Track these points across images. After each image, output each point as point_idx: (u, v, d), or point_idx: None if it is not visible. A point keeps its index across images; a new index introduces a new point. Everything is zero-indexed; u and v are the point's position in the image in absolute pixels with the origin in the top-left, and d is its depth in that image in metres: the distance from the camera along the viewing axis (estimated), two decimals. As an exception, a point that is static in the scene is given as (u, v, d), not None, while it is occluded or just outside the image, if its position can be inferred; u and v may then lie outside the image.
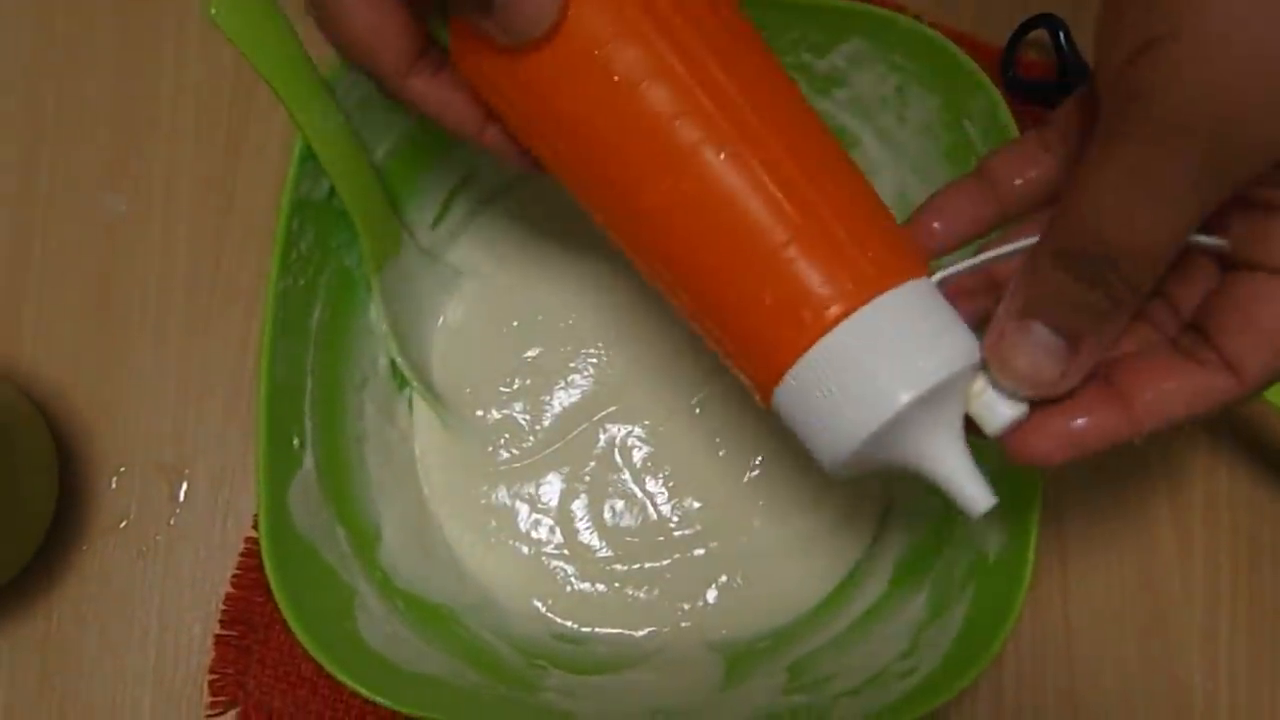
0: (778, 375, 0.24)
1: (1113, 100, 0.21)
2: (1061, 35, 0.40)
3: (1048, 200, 0.27)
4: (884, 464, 0.25)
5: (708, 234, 0.24)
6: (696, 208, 0.24)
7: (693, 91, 0.24)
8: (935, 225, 0.27)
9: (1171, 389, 0.24)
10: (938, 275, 0.25)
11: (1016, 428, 0.24)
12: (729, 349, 0.26)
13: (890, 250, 0.24)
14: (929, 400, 0.23)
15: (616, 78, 0.24)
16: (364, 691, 0.31)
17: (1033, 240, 0.24)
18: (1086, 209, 0.22)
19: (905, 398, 0.23)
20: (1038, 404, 0.24)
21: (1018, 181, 0.27)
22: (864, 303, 0.23)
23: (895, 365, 0.23)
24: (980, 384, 0.24)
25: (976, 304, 0.27)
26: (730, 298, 0.25)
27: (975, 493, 0.24)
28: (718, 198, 0.24)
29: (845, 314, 0.23)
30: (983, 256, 0.25)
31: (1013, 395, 0.24)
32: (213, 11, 0.29)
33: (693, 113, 0.24)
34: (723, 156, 0.24)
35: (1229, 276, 0.24)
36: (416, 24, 0.26)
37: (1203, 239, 0.23)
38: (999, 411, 0.24)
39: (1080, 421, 0.24)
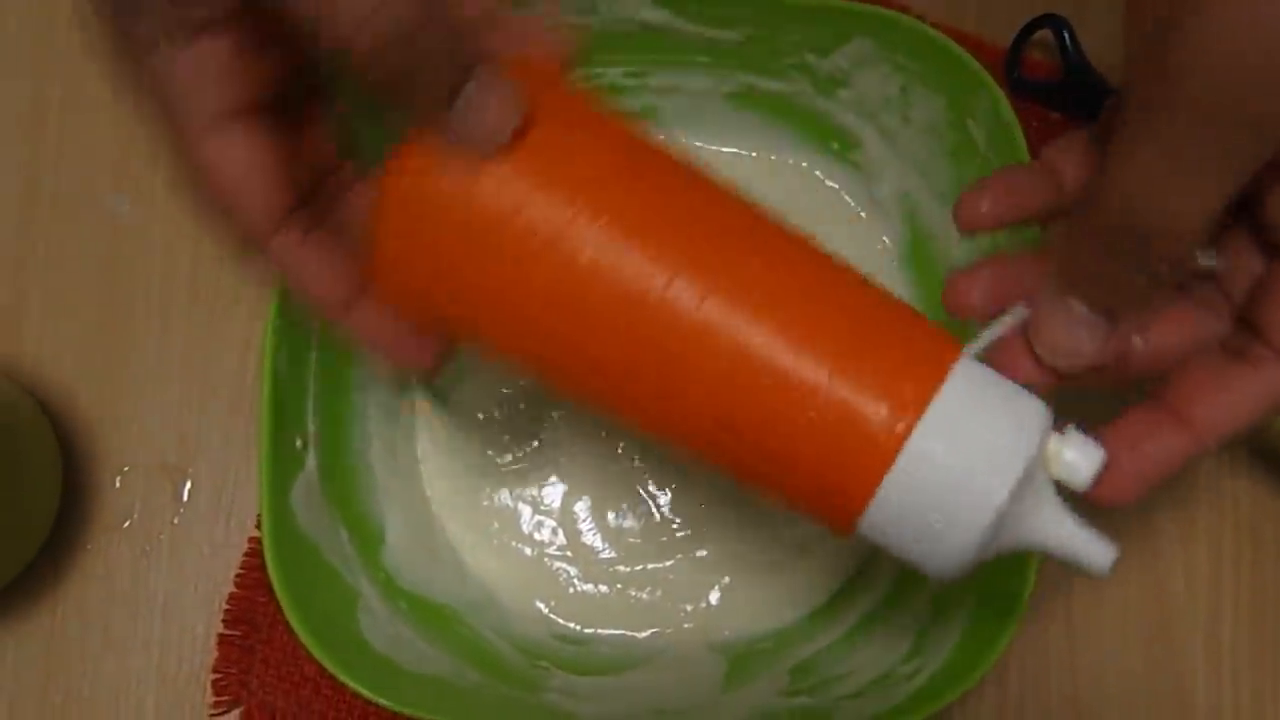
0: (858, 509, 0.23)
1: (1142, 80, 0.21)
2: (1066, 35, 0.39)
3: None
4: (995, 552, 0.24)
5: (737, 395, 0.23)
6: (719, 373, 0.23)
7: (675, 242, 0.23)
8: (983, 207, 0.26)
9: (1230, 401, 0.24)
10: (971, 350, 0.24)
11: (1101, 476, 0.24)
12: (794, 498, 0.24)
13: (926, 343, 0.24)
14: (1023, 483, 0.23)
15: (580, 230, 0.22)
16: (366, 692, 0.31)
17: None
18: (1119, 188, 0.22)
19: (1003, 492, 0.22)
20: (1105, 444, 0.24)
21: (1074, 171, 0.26)
22: (924, 408, 0.22)
23: (980, 460, 0.22)
24: (1055, 445, 0.24)
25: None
26: (783, 449, 0.23)
27: (1096, 553, 0.24)
28: (740, 355, 0.23)
29: (910, 426, 0.22)
30: (1005, 320, 0.25)
31: (1085, 447, 0.24)
32: None
33: (684, 270, 0.22)
34: (733, 314, 0.22)
35: (1275, 265, 0.24)
36: (291, 170, 0.24)
37: (1201, 260, 0.23)
38: (1081, 467, 0.24)
39: (1149, 452, 0.24)
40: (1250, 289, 0.25)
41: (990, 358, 0.24)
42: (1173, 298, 0.25)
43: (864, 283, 0.24)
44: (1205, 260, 0.24)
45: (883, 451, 0.22)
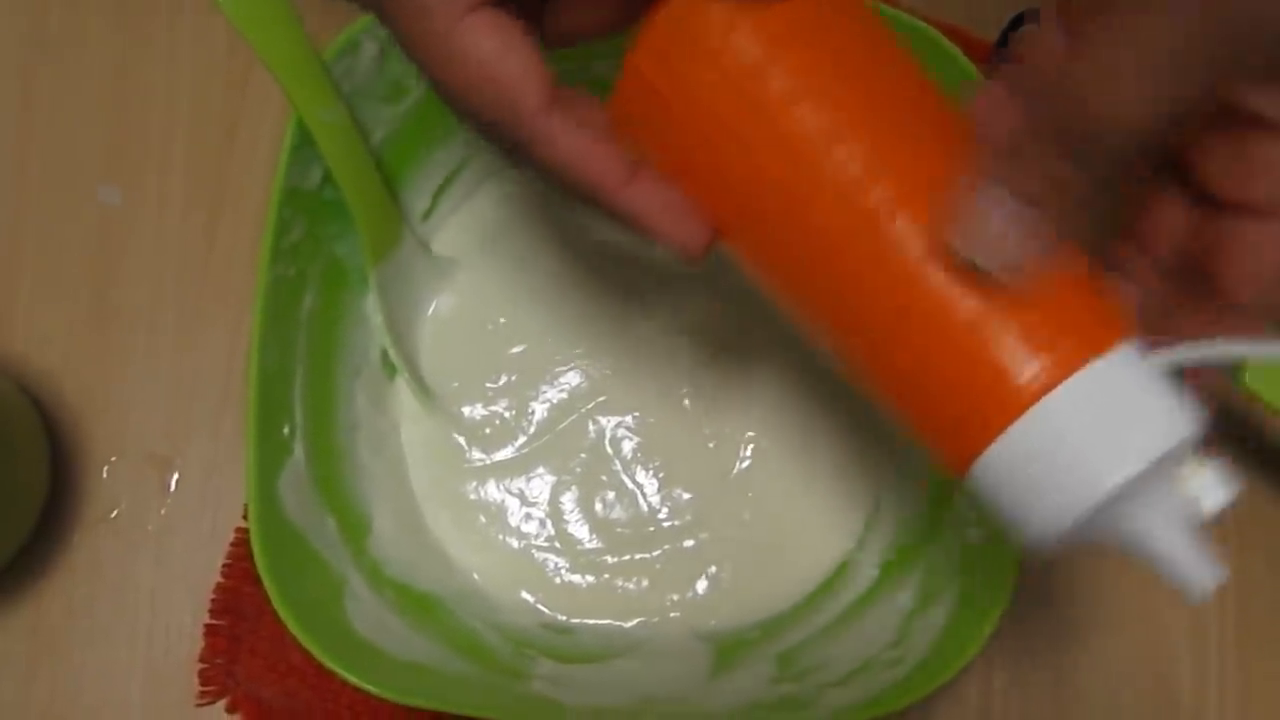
0: (979, 449, 0.23)
1: None
2: (1052, 30, 0.40)
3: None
4: (1093, 541, 0.23)
5: (906, 300, 0.23)
6: (901, 271, 0.23)
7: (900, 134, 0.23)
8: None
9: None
10: (1156, 359, 0.23)
11: (1230, 504, 0.23)
12: (918, 422, 0.24)
13: (1098, 312, 0.23)
14: (1146, 479, 0.22)
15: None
16: (353, 678, 0.31)
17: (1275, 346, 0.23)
18: (1072, 79, 0.21)
19: (1118, 479, 0.22)
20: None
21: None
22: (1074, 371, 0.22)
23: (1107, 441, 0.22)
24: (1194, 465, 0.23)
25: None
26: (925, 367, 0.23)
27: (1200, 574, 0.23)
28: (919, 259, 0.23)
29: (1054, 383, 0.22)
30: (1201, 346, 0.24)
31: (1223, 477, 0.23)
32: (221, 0, 0.29)
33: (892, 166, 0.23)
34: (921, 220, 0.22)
35: (1223, 220, 0.24)
36: (542, 53, 0.24)
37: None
38: (1212, 494, 0.23)
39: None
40: (1180, 246, 0.25)
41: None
42: (1093, 211, 0.24)
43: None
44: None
45: (1019, 398, 0.22)
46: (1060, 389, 0.22)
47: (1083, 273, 0.24)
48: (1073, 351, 0.22)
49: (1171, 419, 0.22)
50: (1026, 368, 0.22)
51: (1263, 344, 0.23)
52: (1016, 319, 0.22)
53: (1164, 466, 0.22)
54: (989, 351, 0.22)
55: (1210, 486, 0.23)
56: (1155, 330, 0.24)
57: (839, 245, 0.23)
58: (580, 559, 0.39)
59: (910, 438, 0.25)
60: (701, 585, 0.38)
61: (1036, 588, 0.39)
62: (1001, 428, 0.22)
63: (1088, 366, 0.22)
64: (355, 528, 0.36)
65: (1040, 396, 0.22)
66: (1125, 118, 0.21)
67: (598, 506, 0.39)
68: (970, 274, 0.22)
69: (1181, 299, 0.25)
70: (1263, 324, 0.24)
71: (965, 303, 0.22)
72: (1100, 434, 0.22)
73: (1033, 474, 0.22)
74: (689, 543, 0.39)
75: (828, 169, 0.23)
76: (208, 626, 0.39)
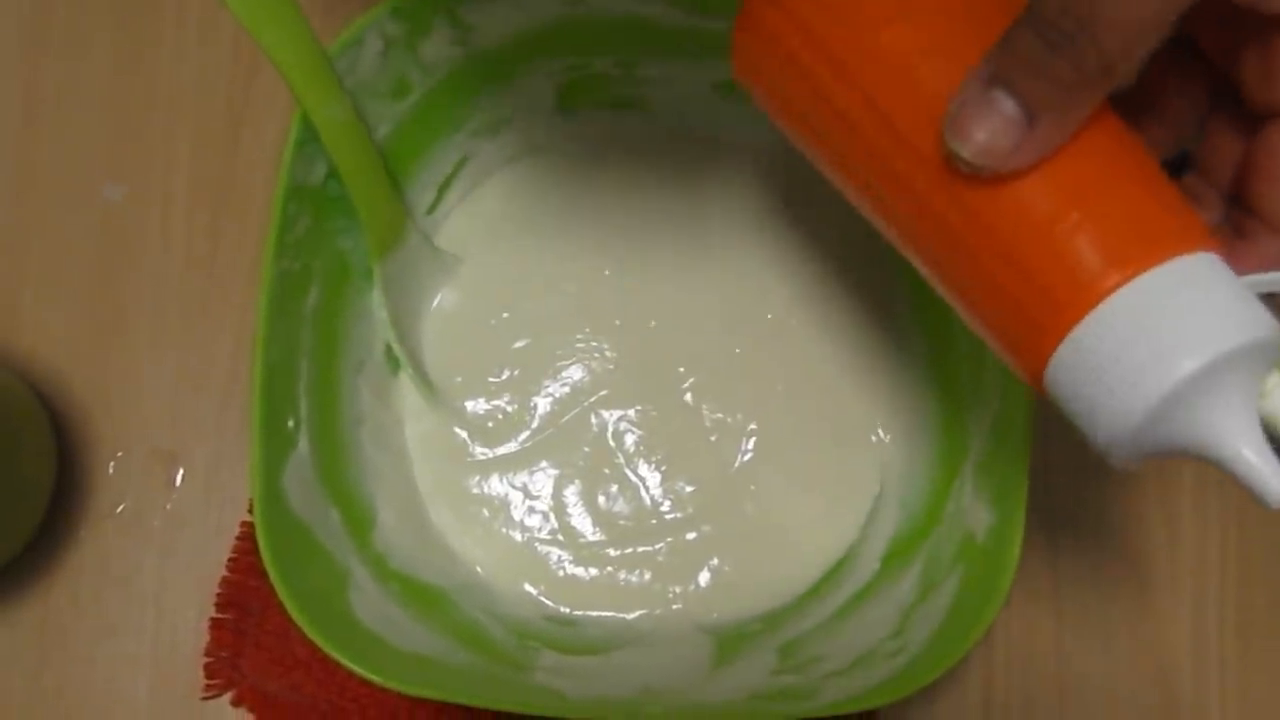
0: (1049, 351, 0.23)
1: None
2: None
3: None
4: (1168, 446, 0.23)
5: (975, 205, 0.23)
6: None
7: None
8: None
9: None
10: (1255, 278, 0.23)
11: None
12: (999, 334, 0.24)
13: (1175, 219, 0.23)
14: (1221, 374, 0.22)
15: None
16: (358, 669, 0.31)
17: None
18: None
19: (1189, 368, 0.21)
20: None
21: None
22: (1147, 268, 0.22)
23: (1180, 332, 0.21)
24: (1275, 380, 0.22)
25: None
26: (1001, 272, 0.23)
27: (1275, 484, 0.22)
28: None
29: (1124, 280, 0.22)
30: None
31: None
32: None
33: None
34: None
35: (1258, 133, 0.24)
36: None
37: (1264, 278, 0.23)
38: None
39: None
40: (1236, 170, 0.24)
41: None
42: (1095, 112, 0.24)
43: (1142, 144, 0.24)
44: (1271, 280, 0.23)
45: (1088, 295, 0.22)
46: (1132, 284, 0.22)
47: (1161, 183, 0.23)
48: (1146, 251, 0.22)
49: (1250, 318, 0.22)
50: (1098, 267, 0.22)
51: None
52: (1088, 221, 0.22)
53: (1242, 369, 0.22)
54: (1059, 253, 0.22)
55: None
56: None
57: (921, 157, 0.24)
58: (583, 551, 0.39)
59: (1000, 354, 0.25)
60: (704, 577, 0.39)
61: (1038, 578, 0.40)
62: (1071, 324, 0.22)
63: (1162, 265, 0.22)
64: (360, 521, 0.36)
65: (1110, 293, 0.22)
66: (1123, 15, 0.21)
67: (600, 499, 0.39)
68: (1036, 175, 0.22)
69: (1240, 230, 0.24)
70: None
71: (1033, 204, 0.22)
72: (1173, 326, 0.21)
73: (1104, 368, 0.22)
74: (691, 535, 0.39)
75: (912, 84, 0.24)
76: (213, 620, 0.39)
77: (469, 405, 0.40)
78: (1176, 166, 0.27)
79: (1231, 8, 0.23)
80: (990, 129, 0.22)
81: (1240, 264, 0.24)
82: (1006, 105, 0.22)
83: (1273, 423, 0.22)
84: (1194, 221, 0.23)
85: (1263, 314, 0.22)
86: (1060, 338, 0.22)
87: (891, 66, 0.24)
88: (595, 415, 0.40)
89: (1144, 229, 0.22)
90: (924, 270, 0.26)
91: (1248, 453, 0.22)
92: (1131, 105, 0.26)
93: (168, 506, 0.40)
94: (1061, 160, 0.23)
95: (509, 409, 0.40)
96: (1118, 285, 0.22)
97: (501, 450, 0.40)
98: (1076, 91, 0.22)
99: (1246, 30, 0.23)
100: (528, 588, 0.39)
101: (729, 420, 0.39)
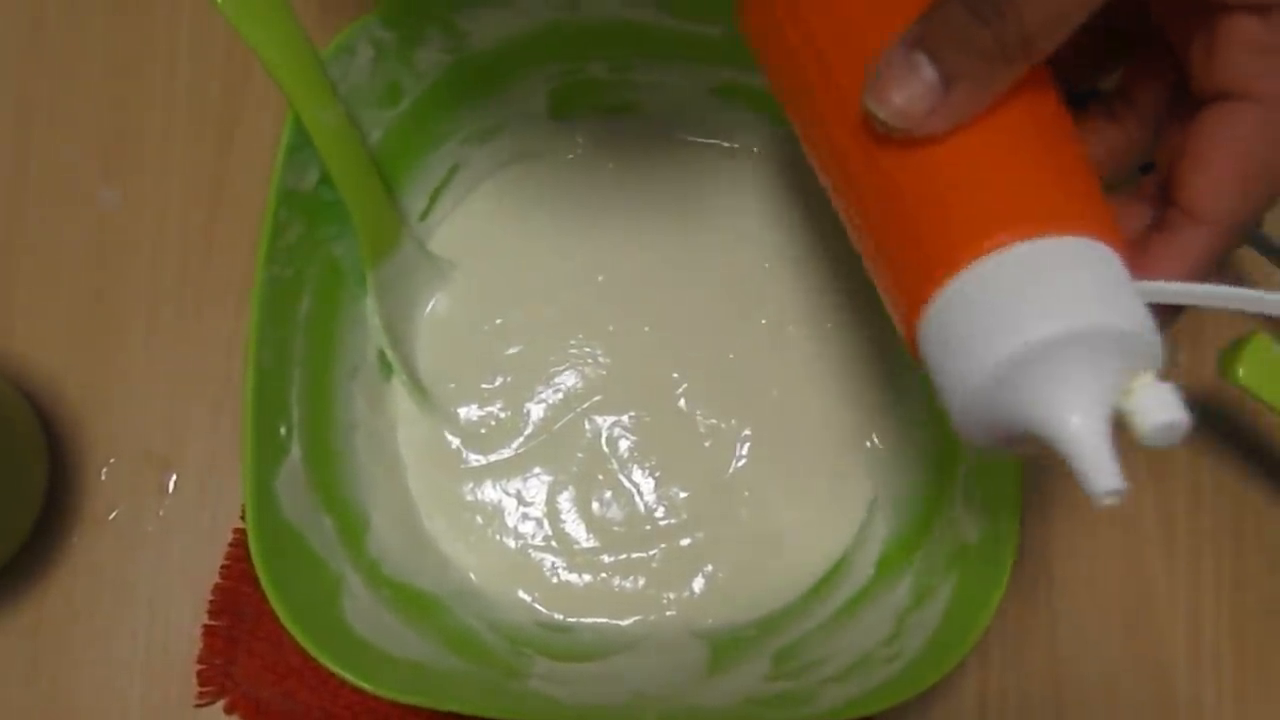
0: (920, 303, 0.23)
1: None
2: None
3: (1124, 171, 0.27)
4: (1010, 420, 0.22)
5: (876, 161, 0.23)
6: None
7: None
8: None
9: (1150, 272, 0.23)
10: (1144, 284, 0.23)
11: (1170, 435, 0.21)
12: (886, 277, 0.24)
13: (1083, 201, 0.23)
14: (1075, 353, 0.21)
15: None
16: (350, 677, 0.31)
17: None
18: None
19: (1039, 333, 0.21)
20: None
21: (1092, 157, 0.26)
22: (1032, 237, 0.22)
23: (1052, 297, 0.21)
24: (1141, 380, 0.22)
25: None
26: (901, 213, 0.23)
27: (1100, 479, 0.21)
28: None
29: (1006, 243, 0.22)
30: (1200, 288, 0.23)
31: (1168, 401, 0.21)
32: (220, 1, 0.29)
33: None
34: None
35: (1193, 119, 0.24)
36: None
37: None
38: (1151, 413, 0.21)
39: None
40: (1171, 151, 0.25)
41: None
42: (1007, 82, 0.24)
43: (1068, 132, 0.24)
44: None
45: (964, 254, 0.22)
46: (1001, 252, 0.22)
47: (1072, 168, 0.23)
48: (1023, 223, 0.22)
49: (1120, 307, 0.22)
50: (972, 231, 0.22)
51: (1222, 292, 0.23)
52: (977, 189, 0.23)
53: (1104, 357, 0.21)
54: (942, 217, 0.23)
55: (1154, 405, 0.21)
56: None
57: (845, 112, 0.24)
58: (577, 558, 0.39)
59: (894, 321, 0.25)
60: (698, 583, 0.39)
61: (1034, 582, 0.40)
62: (936, 287, 0.22)
63: (1037, 239, 0.22)
64: (353, 527, 0.36)
65: (979, 257, 0.22)
66: None
67: (594, 506, 0.39)
68: (942, 141, 0.23)
69: (1161, 223, 0.24)
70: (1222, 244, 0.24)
71: (932, 168, 0.23)
72: (1037, 294, 0.21)
73: (960, 333, 0.22)
74: (685, 541, 0.39)
75: (856, 42, 0.24)
76: (206, 627, 0.39)
77: (462, 411, 0.40)
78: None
79: None
80: (908, 93, 0.22)
81: (1154, 256, 0.24)
82: (926, 71, 0.22)
83: (1129, 423, 0.22)
84: (1092, 209, 0.23)
85: (1137, 309, 0.22)
86: (925, 299, 0.22)
87: (842, 23, 0.25)
88: (589, 421, 0.40)
89: (1029, 204, 0.22)
90: (849, 231, 0.26)
91: (1085, 438, 0.21)
92: (1109, 104, 0.27)
93: (160, 512, 0.40)
94: (970, 130, 0.23)
95: (502, 415, 0.40)
96: (988, 250, 0.22)
97: (495, 456, 0.39)
98: (995, 63, 0.22)
99: (1197, 15, 0.23)
100: (521, 594, 0.39)
101: (723, 426, 0.39)
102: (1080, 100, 0.26)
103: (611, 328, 0.40)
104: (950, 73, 0.22)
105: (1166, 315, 0.23)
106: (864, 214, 0.25)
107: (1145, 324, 0.22)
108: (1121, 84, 0.27)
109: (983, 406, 0.22)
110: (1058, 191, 0.23)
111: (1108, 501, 0.21)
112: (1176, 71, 0.25)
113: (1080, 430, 0.21)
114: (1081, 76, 0.27)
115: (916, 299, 0.23)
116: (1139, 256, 0.24)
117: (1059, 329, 0.21)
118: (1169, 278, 0.23)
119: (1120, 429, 0.22)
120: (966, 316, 0.22)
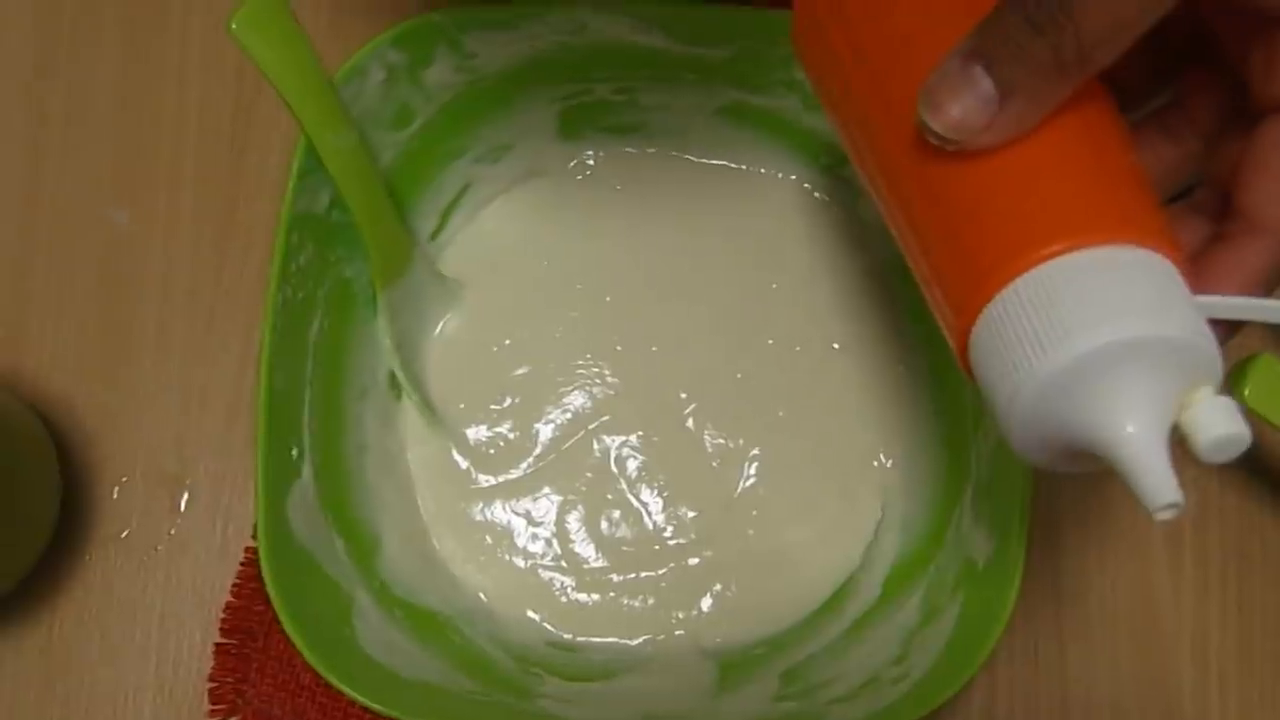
0: (972, 317, 0.22)
1: None
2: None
3: (1177, 186, 0.26)
4: (1067, 433, 0.22)
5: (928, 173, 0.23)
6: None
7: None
8: None
9: (1212, 286, 0.23)
10: (1203, 297, 0.22)
11: (1230, 449, 0.21)
12: (937, 289, 0.24)
13: (1139, 212, 0.22)
14: (1130, 364, 0.21)
15: None
16: (361, 699, 0.31)
17: None
18: None
19: (1090, 344, 0.20)
20: None
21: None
22: (1088, 246, 0.21)
23: (1109, 306, 0.21)
24: (1201, 393, 0.21)
25: None
26: (953, 227, 0.23)
27: (1158, 493, 0.20)
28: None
29: (1062, 252, 0.21)
30: (1251, 301, 0.23)
31: (1229, 413, 0.21)
32: (234, 27, 0.29)
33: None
34: None
35: (1255, 128, 0.24)
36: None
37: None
38: (1209, 426, 0.21)
39: None
40: (1228, 163, 0.24)
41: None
42: (1065, 92, 0.23)
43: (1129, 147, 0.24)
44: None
45: (1017, 264, 0.22)
46: (1055, 261, 0.21)
47: (1127, 180, 0.23)
48: (1077, 233, 0.22)
49: (1176, 317, 0.21)
50: (1027, 240, 0.22)
51: None
52: (1029, 201, 0.22)
53: (1161, 369, 0.21)
54: (995, 228, 0.22)
55: (1213, 419, 0.21)
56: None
57: (898, 127, 0.24)
58: (586, 577, 0.39)
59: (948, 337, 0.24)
60: (706, 603, 0.39)
61: (1041, 602, 0.40)
62: (987, 299, 0.22)
63: (1094, 248, 0.21)
64: (364, 548, 0.36)
65: (1034, 265, 0.21)
66: (1108, 5, 0.21)
67: (603, 525, 0.39)
68: (998, 154, 0.22)
69: (1222, 236, 0.24)
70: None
71: (988, 180, 0.23)
72: (1091, 304, 0.21)
73: (1014, 340, 0.21)
74: (694, 561, 0.39)
75: (907, 57, 0.24)
76: (218, 645, 0.39)
77: (471, 432, 0.40)
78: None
79: (1245, 8, 0.23)
80: (964, 106, 0.22)
81: (1215, 269, 0.23)
82: (983, 84, 0.22)
83: (1188, 437, 0.21)
84: (1150, 220, 0.23)
85: (1196, 321, 0.21)
86: (978, 309, 0.22)
87: (895, 36, 0.25)
88: (597, 441, 0.40)
89: (1085, 213, 0.22)
90: (899, 243, 0.26)
91: (1143, 450, 0.21)
92: (1162, 118, 0.26)
93: (172, 531, 0.40)
94: (1027, 138, 0.23)
95: (511, 436, 0.40)
96: (1044, 259, 0.21)
97: (504, 477, 0.40)
98: (1052, 76, 0.22)
99: (1256, 28, 0.23)
100: (531, 614, 0.39)
101: (731, 445, 0.40)
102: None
103: (619, 348, 0.40)
104: (1007, 85, 0.22)
105: (1225, 329, 0.23)
106: (916, 227, 0.25)
107: (1204, 336, 0.22)
108: (1177, 97, 0.26)
109: (1038, 419, 0.22)
110: (1114, 201, 0.23)
111: (1165, 515, 0.21)
112: (1233, 84, 0.25)
113: (1138, 442, 0.21)
114: (1133, 94, 0.27)
115: (969, 309, 0.23)
116: (1196, 270, 0.23)
117: (1116, 338, 0.21)
118: (1228, 291, 0.23)
119: (1177, 443, 0.21)
120: (1020, 326, 0.21)
